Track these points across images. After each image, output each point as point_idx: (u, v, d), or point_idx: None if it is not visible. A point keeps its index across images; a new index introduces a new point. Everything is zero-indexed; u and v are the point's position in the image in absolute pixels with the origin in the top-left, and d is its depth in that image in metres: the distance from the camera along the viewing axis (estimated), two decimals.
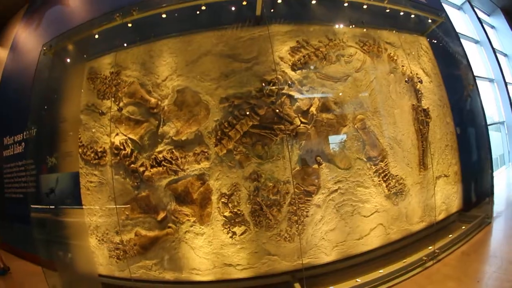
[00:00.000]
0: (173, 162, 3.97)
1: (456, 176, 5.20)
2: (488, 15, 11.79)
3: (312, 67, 4.09)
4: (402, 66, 4.77)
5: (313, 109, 3.95)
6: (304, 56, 4.06)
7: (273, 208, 3.87)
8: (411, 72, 4.82)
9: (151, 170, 4.03)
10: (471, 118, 6.39)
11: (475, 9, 10.20)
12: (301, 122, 3.93)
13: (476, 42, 9.96)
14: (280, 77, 3.96)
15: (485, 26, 10.35)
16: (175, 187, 3.98)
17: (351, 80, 4.23)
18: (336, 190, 4.01)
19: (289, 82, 3.97)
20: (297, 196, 3.89)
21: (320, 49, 4.14)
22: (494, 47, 10.32)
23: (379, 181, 4.21)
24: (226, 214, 3.91)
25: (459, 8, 9.96)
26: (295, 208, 3.88)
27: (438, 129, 4.96)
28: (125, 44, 4.35)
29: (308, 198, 3.93)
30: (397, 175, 4.35)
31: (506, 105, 10.05)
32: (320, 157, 3.96)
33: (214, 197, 3.93)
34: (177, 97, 4.03)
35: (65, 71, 4.89)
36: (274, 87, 3.91)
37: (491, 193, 6.52)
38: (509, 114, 10.10)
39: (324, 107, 4.04)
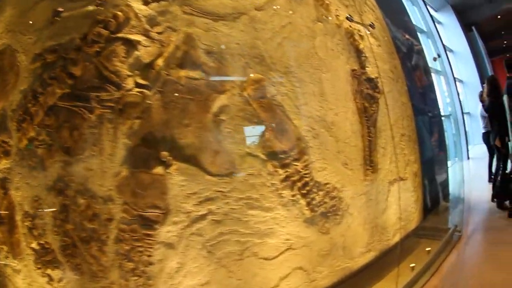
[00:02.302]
0: None
1: (416, 179, 3.33)
2: (436, 11, 10.49)
3: None
4: (337, 15, 2.83)
5: (160, 61, 1.84)
6: None
7: (92, 245, 1.79)
8: (350, 26, 2.90)
9: None
10: (429, 103, 4.71)
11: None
12: (137, 85, 1.80)
13: (422, 32, 8.44)
14: (120, 14, 1.85)
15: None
16: None
17: (246, 21, 2.15)
18: (203, 216, 1.85)
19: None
20: (127, 226, 1.78)
21: None
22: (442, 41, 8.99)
23: (294, 195, 2.12)
24: (34, 246, 2.03)
25: None
26: (127, 247, 1.76)
27: (391, 111, 3.07)
28: None
29: (148, 232, 1.77)
30: (328, 184, 2.30)
31: (453, 99, 8.56)
32: (169, 152, 1.82)
33: (18, 217, 2.09)
34: None
35: None
36: (105, 30, 1.84)
37: (447, 197, 4.85)
38: (456, 108, 8.63)
39: (187, 60, 1.92)
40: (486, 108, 4.61)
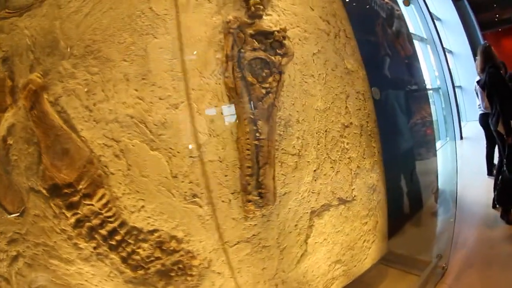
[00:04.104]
0: None
1: (374, 196, 2.06)
2: None
3: None
4: None
5: None
6: None
7: None
8: None
9: None
10: (412, 75, 3.39)
11: None
12: None
13: None
14: None
15: None
16: None
17: (48, 7, 1.16)
18: (16, 258, 1.32)
19: None
20: None
21: None
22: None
23: (96, 247, 1.14)
24: None
25: None
26: None
27: (321, 86, 1.78)
28: None
29: None
30: (156, 231, 1.15)
31: (442, 70, 7.00)
32: None
33: None
34: None
35: None
36: None
37: (437, 192, 3.53)
38: (444, 80, 7.07)
39: None
40: (482, 85, 3.16)
